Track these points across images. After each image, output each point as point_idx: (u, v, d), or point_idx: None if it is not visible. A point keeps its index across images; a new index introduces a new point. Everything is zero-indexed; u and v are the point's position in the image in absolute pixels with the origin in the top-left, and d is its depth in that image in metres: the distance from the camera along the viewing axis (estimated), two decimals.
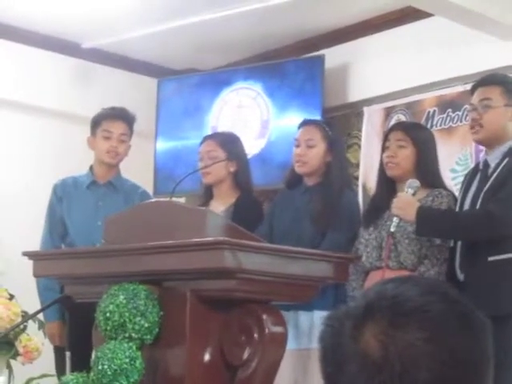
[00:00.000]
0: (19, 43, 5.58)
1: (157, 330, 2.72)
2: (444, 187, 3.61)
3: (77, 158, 4.52)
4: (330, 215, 3.66)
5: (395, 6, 5.10)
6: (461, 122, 4.80)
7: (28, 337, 3.48)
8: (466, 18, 4.44)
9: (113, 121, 4.15)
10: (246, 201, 3.91)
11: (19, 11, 5.30)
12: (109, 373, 2.63)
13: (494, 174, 3.35)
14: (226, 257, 2.59)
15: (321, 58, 5.46)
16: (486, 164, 3.43)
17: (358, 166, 5.34)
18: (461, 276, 3.37)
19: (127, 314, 2.66)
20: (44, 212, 4.19)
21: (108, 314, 2.69)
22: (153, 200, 3.78)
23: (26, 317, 3.53)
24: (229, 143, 4.01)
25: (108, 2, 5.14)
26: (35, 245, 4.05)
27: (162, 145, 6.02)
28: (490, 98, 3.39)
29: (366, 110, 5.32)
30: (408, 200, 3.41)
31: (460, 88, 4.79)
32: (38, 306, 3.79)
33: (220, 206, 3.89)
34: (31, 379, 3.51)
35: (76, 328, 3.47)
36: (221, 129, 5.47)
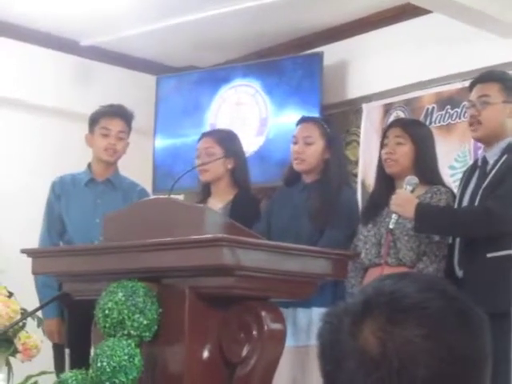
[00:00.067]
0: (18, 41, 5.58)
1: (156, 327, 2.72)
2: (443, 184, 3.61)
3: (76, 156, 4.52)
4: (329, 212, 3.66)
5: (393, 2, 5.10)
6: (459, 118, 4.80)
7: (27, 334, 3.48)
8: (465, 15, 4.44)
9: (111, 118, 4.15)
10: (243, 198, 3.91)
11: (19, 9, 5.30)
12: (108, 370, 2.63)
13: (493, 171, 3.35)
14: (225, 254, 2.59)
15: (319, 56, 5.46)
16: (485, 161, 3.43)
17: (356, 163, 5.34)
18: (459, 273, 3.37)
19: (126, 311, 2.66)
20: (43, 209, 4.19)
21: (107, 311, 2.69)
22: (151, 197, 3.78)
23: (25, 314, 3.52)
24: (226, 140, 4.01)
25: (107, 1, 5.14)
26: (34, 242, 4.06)
27: (161, 142, 6.02)
28: (488, 95, 3.39)
29: (364, 106, 5.32)
30: (407, 197, 3.41)
31: (459, 85, 4.79)
32: (37, 304, 3.78)
33: (218, 203, 3.89)
34: (30, 376, 3.51)
35: (75, 325, 3.47)
36: (219, 126, 5.47)
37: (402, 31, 5.19)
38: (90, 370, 2.70)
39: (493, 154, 3.40)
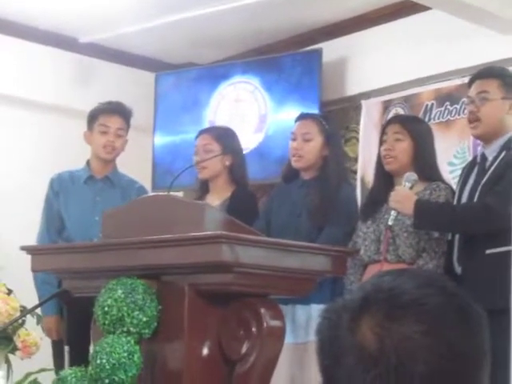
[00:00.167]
0: (17, 38, 5.57)
1: (155, 324, 2.72)
2: (442, 180, 3.61)
3: (75, 153, 4.51)
4: (328, 209, 3.66)
5: None
6: (459, 115, 4.80)
7: (26, 331, 3.48)
8: (465, 11, 4.43)
9: (109, 115, 4.14)
10: (241, 195, 3.91)
11: (17, 6, 5.29)
12: (107, 367, 2.63)
13: (492, 167, 3.35)
14: (224, 251, 2.59)
15: (318, 52, 5.46)
16: (484, 157, 3.43)
17: (356, 159, 5.33)
18: (458, 269, 3.37)
19: (125, 309, 2.67)
20: (42, 206, 4.18)
21: (106, 309, 2.69)
22: (150, 194, 3.78)
23: (24, 311, 3.53)
24: (224, 137, 4.01)
25: None
26: (33, 239, 4.06)
27: (160, 139, 6.01)
28: (487, 91, 3.39)
29: (363, 103, 5.32)
30: (406, 193, 3.41)
31: (458, 81, 4.79)
32: (37, 301, 3.79)
33: (215, 200, 3.89)
34: (30, 374, 3.51)
35: (74, 322, 3.47)
36: (219, 123, 5.46)
37: (401, 28, 5.19)
38: (90, 367, 2.71)
39: (492, 151, 3.40)
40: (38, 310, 3.79)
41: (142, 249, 2.77)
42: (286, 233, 3.57)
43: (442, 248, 3.45)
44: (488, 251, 3.25)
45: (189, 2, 5.06)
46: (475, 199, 3.34)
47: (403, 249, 3.45)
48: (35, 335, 3.51)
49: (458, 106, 4.80)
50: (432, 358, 1.03)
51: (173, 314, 2.73)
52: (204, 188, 4.02)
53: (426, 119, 4.78)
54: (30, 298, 3.82)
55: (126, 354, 2.63)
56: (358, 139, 5.36)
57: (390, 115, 5.00)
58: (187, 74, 6.08)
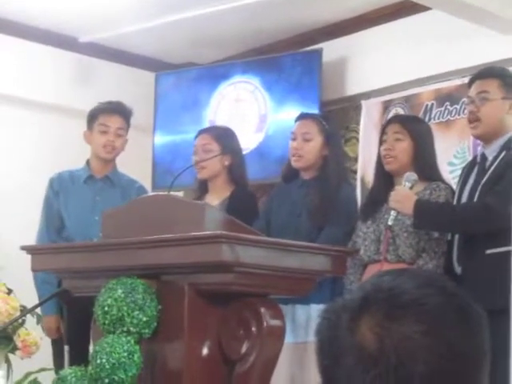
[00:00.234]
0: (17, 38, 5.57)
1: (155, 323, 2.72)
2: (442, 180, 3.61)
3: (75, 153, 4.51)
4: (328, 209, 3.66)
5: None
6: (459, 115, 4.80)
7: (26, 331, 3.48)
8: (465, 11, 4.43)
9: (109, 115, 4.14)
10: (240, 194, 3.91)
11: (17, 5, 5.29)
12: (107, 367, 2.63)
13: (492, 167, 3.35)
14: (224, 250, 2.59)
15: (318, 52, 5.46)
16: (484, 157, 3.43)
17: (356, 159, 5.33)
18: (458, 269, 3.37)
19: (125, 308, 2.67)
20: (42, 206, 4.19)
21: (106, 308, 2.69)
22: (150, 194, 3.78)
23: (24, 311, 3.53)
24: (223, 137, 4.00)
25: None
26: (33, 239, 4.06)
27: (160, 139, 6.01)
28: (487, 91, 3.39)
29: (363, 103, 5.32)
30: (405, 193, 3.41)
31: (458, 81, 4.79)
32: (37, 301, 3.79)
33: (214, 200, 3.89)
34: (30, 373, 3.52)
35: (74, 322, 3.47)
36: (219, 123, 5.46)
37: (401, 28, 5.19)
38: (90, 367, 2.71)
39: (492, 151, 3.40)
40: (38, 310, 3.79)
41: (142, 248, 2.78)
42: (286, 233, 3.57)
43: (442, 248, 3.45)
44: (488, 251, 3.25)
45: (189, 2, 5.06)
46: (475, 199, 3.34)
47: (403, 249, 3.45)
48: (35, 335, 3.52)
49: (458, 106, 4.80)
50: (432, 358, 1.03)
51: (173, 314, 2.73)
52: (203, 188, 4.02)
53: (426, 119, 4.78)
54: (30, 297, 3.82)
55: (125, 354, 2.64)
56: (357, 139, 5.36)
57: (390, 115, 5.00)
58: (187, 74, 6.08)
